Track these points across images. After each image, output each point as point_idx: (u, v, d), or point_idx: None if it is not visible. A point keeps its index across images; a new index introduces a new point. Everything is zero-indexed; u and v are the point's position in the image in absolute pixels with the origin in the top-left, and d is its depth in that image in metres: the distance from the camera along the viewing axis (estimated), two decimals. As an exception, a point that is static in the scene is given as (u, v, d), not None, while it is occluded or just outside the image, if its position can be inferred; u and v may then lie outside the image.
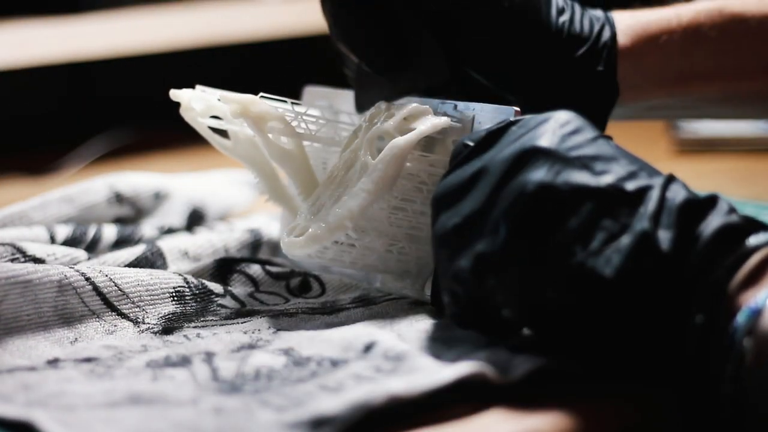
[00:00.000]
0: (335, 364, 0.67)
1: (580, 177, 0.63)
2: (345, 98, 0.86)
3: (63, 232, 0.87)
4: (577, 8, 0.81)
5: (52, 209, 0.91)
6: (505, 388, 0.64)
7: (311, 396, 0.63)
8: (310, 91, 0.89)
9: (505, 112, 0.75)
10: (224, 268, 0.82)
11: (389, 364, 0.66)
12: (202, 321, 0.76)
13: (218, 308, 0.78)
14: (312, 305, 0.79)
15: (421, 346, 0.69)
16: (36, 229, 0.87)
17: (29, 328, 0.73)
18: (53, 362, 0.70)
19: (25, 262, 0.80)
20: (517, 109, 0.75)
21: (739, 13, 0.81)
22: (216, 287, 0.79)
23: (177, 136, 1.32)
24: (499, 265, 0.64)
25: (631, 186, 0.62)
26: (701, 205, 0.62)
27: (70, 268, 0.76)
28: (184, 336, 0.74)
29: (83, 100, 1.52)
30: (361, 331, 0.71)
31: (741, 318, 0.58)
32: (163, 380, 0.66)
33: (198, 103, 0.81)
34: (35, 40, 1.30)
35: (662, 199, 0.62)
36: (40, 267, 0.75)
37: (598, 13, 0.82)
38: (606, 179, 0.63)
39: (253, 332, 0.74)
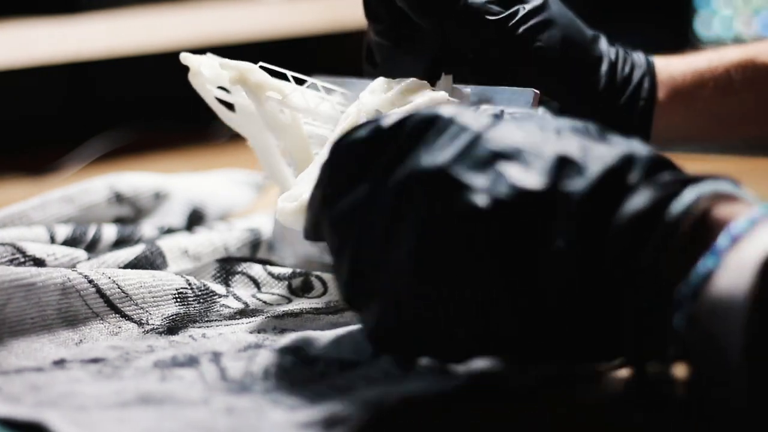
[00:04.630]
0: (345, 365, 0.67)
1: (465, 206, 0.57)
2: (351, 87, 0.84)
3: (63, 232, 0.87)
4: (621, 54, 0.80)
5: (52, 209, 0.91)
6: (517, 390, 0.63)
7: (323, 396, 0.62)
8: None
9: (524, 95, 0.73)
10: (225, 269, 0.82)
11: (400, 369, 0.66)
12: (206, 321, 0.76)
13: (221, 308, 0.78)
14: (316, 305, 0.78)
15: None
16: (36, 229, 0.87)
17: (33, 331, 0.73)
18: (60, 363, 0.69)
19: (25, 262, 0.80)
20: (536, 91, 0.73)
21: None
22: (218, 288, 0.79)
23: (177, 136, 1.32)
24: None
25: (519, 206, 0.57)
26: (604, 194, 0.57)
27: (73, 270, 0.76)
28: (190, 336, 0.74)
29: (83, 100, 1.52)
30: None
31: (682, 294, 0.54)
32: (172, 380, 0.66)
33: (207, 69, 0.80)
34: (35, 40, 1.29)
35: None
36: (43, 270, 0.75)
37: (641, 59, 0.81)
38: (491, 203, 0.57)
39: (258, 332, 0.74)
